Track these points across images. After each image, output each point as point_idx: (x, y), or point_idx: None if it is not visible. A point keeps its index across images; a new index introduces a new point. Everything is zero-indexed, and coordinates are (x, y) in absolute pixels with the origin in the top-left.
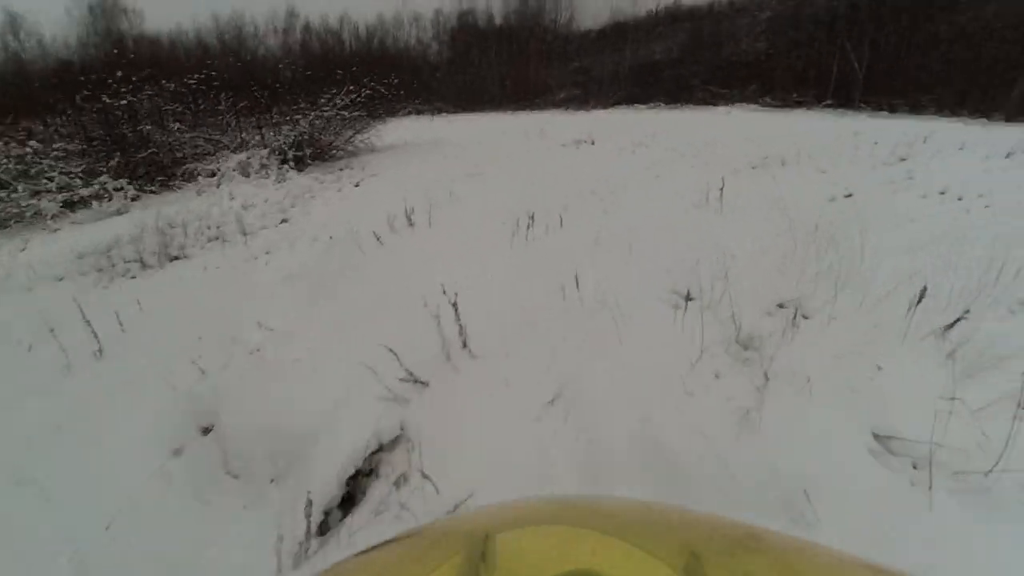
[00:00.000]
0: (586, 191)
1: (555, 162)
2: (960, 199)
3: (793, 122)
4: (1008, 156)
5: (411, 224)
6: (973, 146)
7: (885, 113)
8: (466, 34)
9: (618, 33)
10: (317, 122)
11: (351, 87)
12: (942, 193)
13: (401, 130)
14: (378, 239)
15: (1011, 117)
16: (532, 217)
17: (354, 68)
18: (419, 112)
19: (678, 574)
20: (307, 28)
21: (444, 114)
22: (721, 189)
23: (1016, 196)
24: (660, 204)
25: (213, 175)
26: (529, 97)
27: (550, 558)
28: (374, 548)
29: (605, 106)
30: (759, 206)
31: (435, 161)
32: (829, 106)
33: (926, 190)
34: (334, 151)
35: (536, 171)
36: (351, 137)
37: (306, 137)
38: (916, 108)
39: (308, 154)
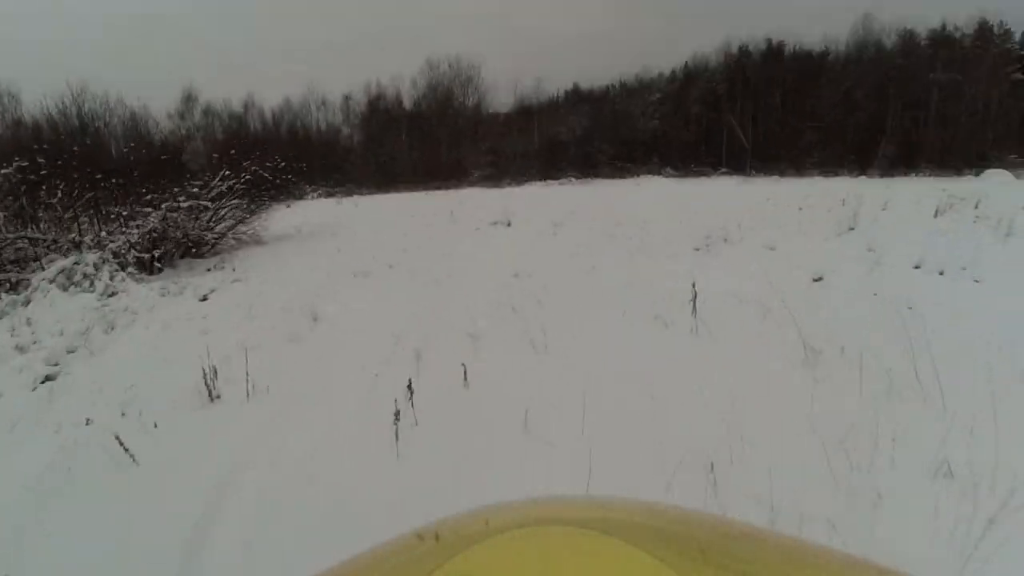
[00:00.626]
0: (504, 300)
1: (466, 252)
2: (941, 273)
3: (702, 191)
4: (936, 215)
5: (212, 399)
6: (895, 204)
7: (776, 177)
8: (378, 118)
9: (525, 115)
10: (173, 214)
11: (227, 172)
12: (917, 267)
13: (300, 216)
14: (129, 453)
15: (884, 172)
16: (423, 350)
17: (233, 152)
18: (331, 194)
19: (678, 574)
20: (207, 111)
21: (357, 195)
22: (693, 300)
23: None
24: (608, 324)
25: (14, 288)
26: (443, 177)
27: (547, 561)
28: (357, 557)
29: (519, 183)
30: (740, 317)
31: (323, 255)
32: (725, 173)
33: (901, 263)
34: (206, 247)
35: (442, 266)
36: (231, 228)
37: (156, 234)
38: (801, 170)
39: (166, 253)
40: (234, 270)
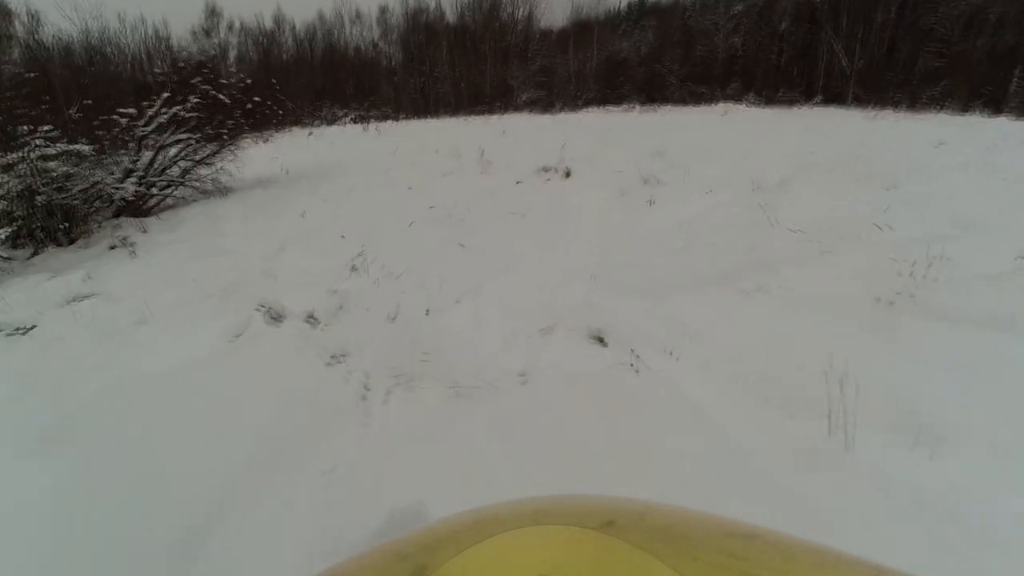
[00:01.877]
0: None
1: (493, 245)
2: None
3: (824, 128)
4: None
5: None
6: None
7: (891, 111)
8: (417, 34)
9: (581, 31)
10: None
11: (170, 95)
12: None
13: (307, 150)
14: None
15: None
16: None
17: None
18: (364, 119)
19: (678, 574)
20: (241, 29)
21: (392, 120)
22: None
23: None
24: None
25: None
26: (488, 100)
27: (547, 561)
28: (356, 557)
29: (573, 108)
30: None
31: (283, 220)
32: (820, 103)
33: None
34: (146, 201)
35: (448, 292)
36: (184, 174)
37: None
38: (915, 104)
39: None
40: (142, 247)
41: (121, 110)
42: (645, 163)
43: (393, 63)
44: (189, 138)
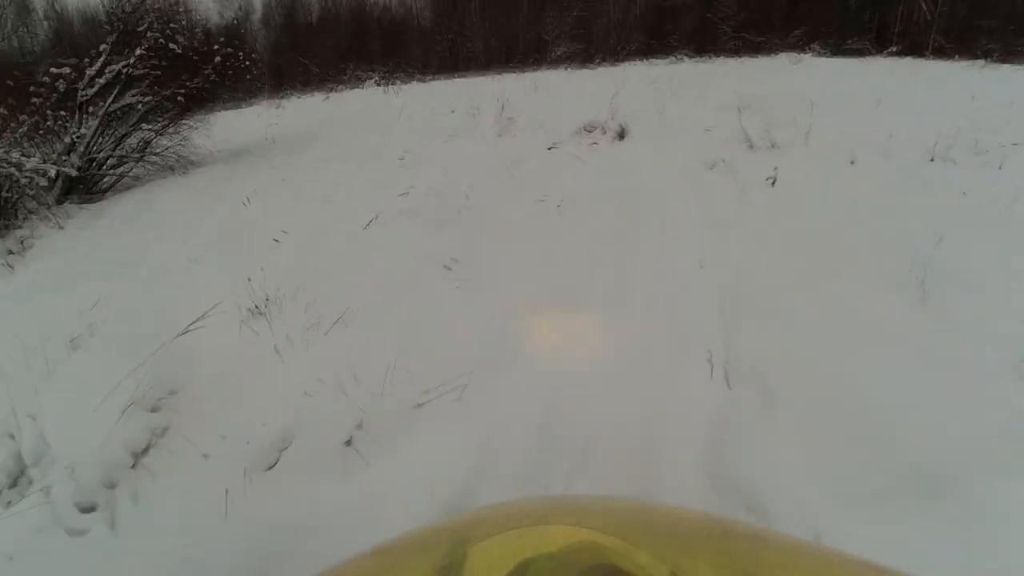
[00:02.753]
0: None
1: (488, 293)
2: None
3: (932, 78)
4: None
5: None
6: None
7: (982, 62)
8: None
9: None
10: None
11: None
12: None
13: (313, 112)
14: None
15: None
16: None
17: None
18: (387, 81)
19: (678, 574)
20: None
21: (419, 80)
22: None
23: None
24: None
25: None
26: (520, 56)
27: (547, 561)
28: (362, 555)
29: (615, 60)
30: None
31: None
32: (895, 53)
33: None
34: (98, 181)
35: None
36: (143, 148)
37: None
38: (1010, 54)
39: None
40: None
41: (54, 69)
42: (731, 119)
43: (420, 22)
44: (138, 102)
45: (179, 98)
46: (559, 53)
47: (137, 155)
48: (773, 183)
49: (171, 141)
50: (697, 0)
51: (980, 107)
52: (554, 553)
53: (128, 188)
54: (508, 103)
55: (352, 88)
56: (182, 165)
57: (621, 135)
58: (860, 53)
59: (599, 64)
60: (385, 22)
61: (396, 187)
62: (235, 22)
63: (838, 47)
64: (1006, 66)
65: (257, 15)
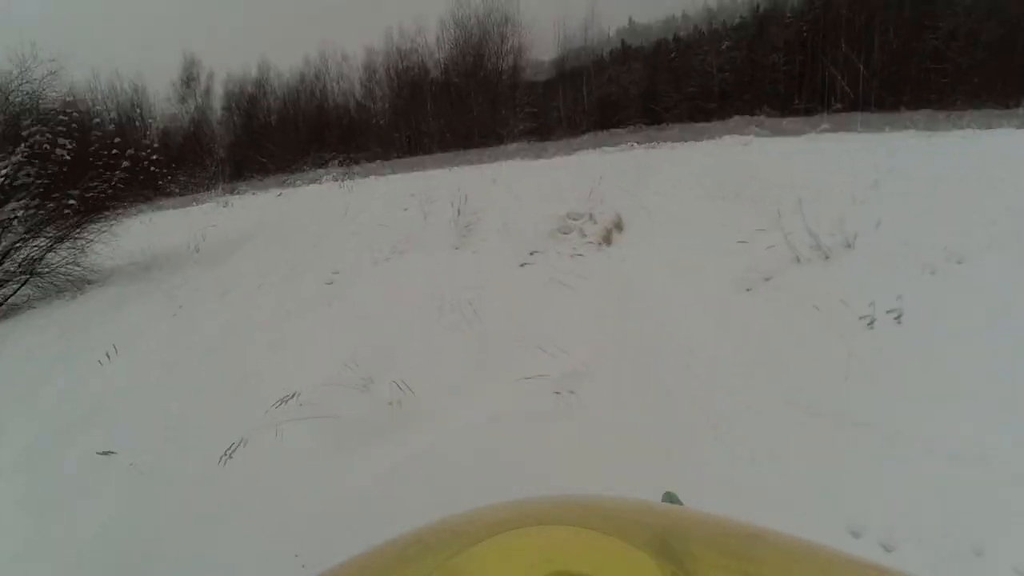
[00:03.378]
0: None
1: None
2: None
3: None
4: None
5: None
6: None
7: (914, 130)
8: (403, 88)
9: (569, 77)
10: None
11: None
12: None
13: (258, 210)
14: None
15: None
16: None
17: None
18: (343, 172)
19: (678, 574)
20: (211, 93)
21: (376, 175)
22: None
23: None
24: None
25: None
26: (477, 145)
27: (547, 561)
28: (360, 555)
29: (567, 151)
30: None
31: None
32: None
33: None
34: None
35: None
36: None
37: None
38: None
39: None
40: None
41: None
42: (730, 211)
43: (379, 120)
44: (19, 214)
45: (71, 207)
46: (513, 148)
47: (23, 274)
48: (899, 318)
49: (63, 257)
50: (644, 92)
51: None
52: (553, 555)
53: (17, 311)
54: (467, 200)
55: (310, 183)
56: (76, 285)
57: (607, 238)
58: (797, 132)
59: (552, 153)
60: (344, 122)
61: (305, 350)
62: (137, 123)
63: (775, 125)
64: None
65: (216, 115)
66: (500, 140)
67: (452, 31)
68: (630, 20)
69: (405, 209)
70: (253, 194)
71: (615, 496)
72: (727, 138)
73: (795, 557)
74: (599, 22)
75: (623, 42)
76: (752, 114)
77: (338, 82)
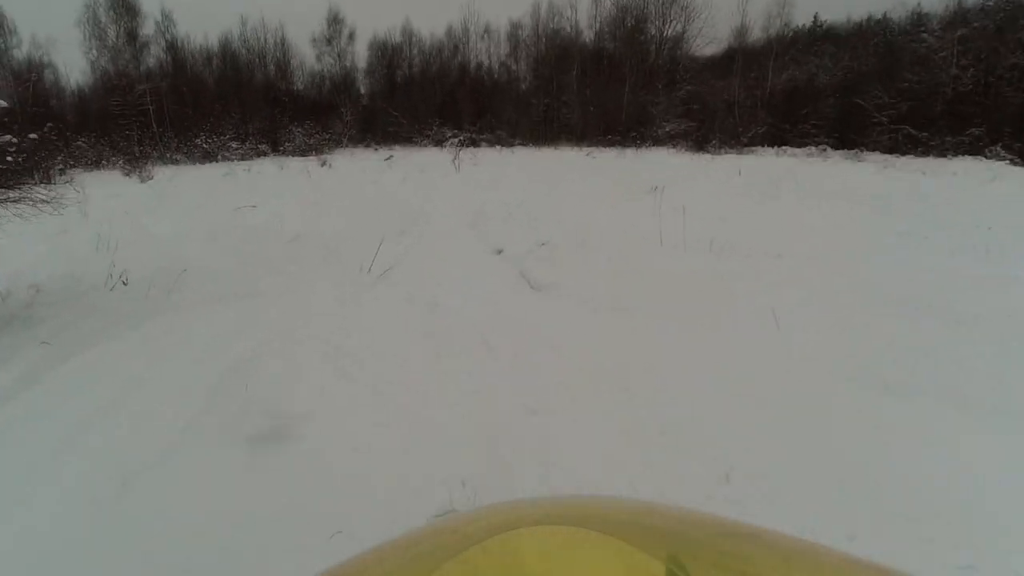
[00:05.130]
0: None
1: None
2: None
3: None
4: None
5: None
6: None
7: None
8: (550, 54)
9: (744, 57)
10: None
11: None
12: None
13: (339, 181)
14: None
15: None
16: None
17: None
18: (471, 143)
19: (678, 574)
20: (354, 37)
21: (504, 148)
22: None
23: None
24: None
25: None
26: (621, 130)
27: (547, 561)
28: (360, 555)
29: (736, 146)
30: None
31: None
32: None
33: None
34: None
35: None
36: None
37: None
38: None
39: None
40: None
41: None
42: None
43: (523, 85)
44: None
45: None
46: (666, 131)
47: None
48: None
49: None
50: (841, 82)
51: None
52: (553, 555)
53: None
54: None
55: (432, 144)
56: None
57: None
58: None
59: (714, 147)
60: (482, 82)
61: None
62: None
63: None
64: None
65: (359, 73)
66: (651, 122)
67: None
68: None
69: (500, 251)
70: (351, 155)
71: (615, 496)
72: (960, 160)
73: (793, 557)
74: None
75: (816, 18)
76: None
77: (480, 40)
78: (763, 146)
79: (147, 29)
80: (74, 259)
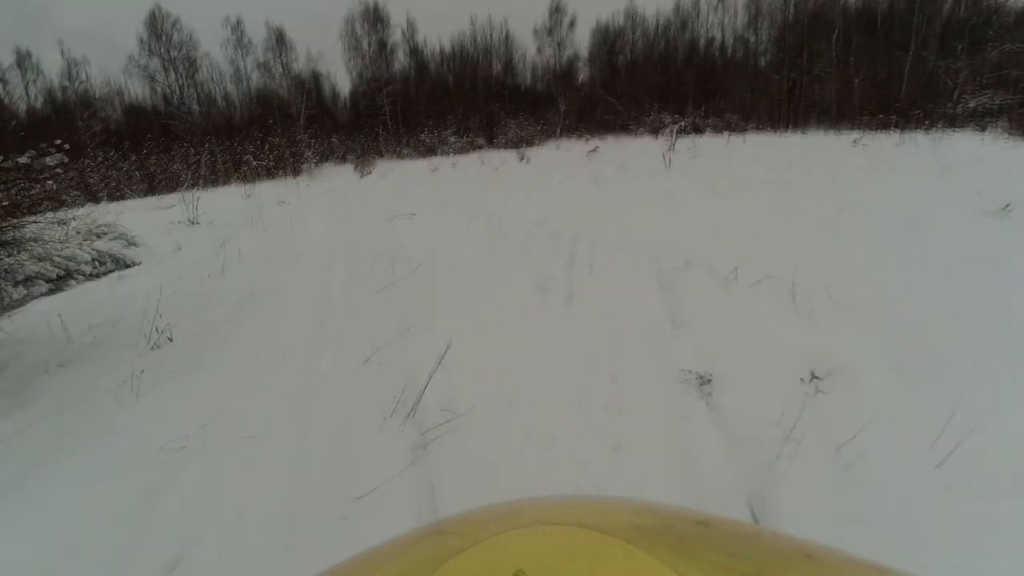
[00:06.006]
0: None
1: None
2: None
3: None
4: None
5: None
6: None
7: None
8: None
9: None
10: None
11: None
12: None
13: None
14: None
15: None
16: None
17: None
18: (695, 130)
19: (678, 574)
20: (575, 25)
21: (729, 133)
22: None
23: None
24: None
25: None
26: (899, 107)
27: (547, 561)
28: (360, 555)
29: None
30: None
31: None
32: None
33: None
34: None
35: None
36: None
37: None
38: None
39: None
40: None
41: None
42: None
43: (763, 60)
44: None
45: None
46: (970, 106)
47: None
48: None
49: None
50: None
51: None
52: (552, 555)
53: None
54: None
55: (649, 132)
56: None
57: None
58: None
59: None
60: (715, 60)
61: None
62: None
63: None
64: None
65: (585, 53)
66: (945, 95)
67: None
68: None
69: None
70: (556, 148)
71: (615, 496)
72: None
73: (794, 557)
74: None
75: None
76: None
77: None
78: None
79: (395, 37)
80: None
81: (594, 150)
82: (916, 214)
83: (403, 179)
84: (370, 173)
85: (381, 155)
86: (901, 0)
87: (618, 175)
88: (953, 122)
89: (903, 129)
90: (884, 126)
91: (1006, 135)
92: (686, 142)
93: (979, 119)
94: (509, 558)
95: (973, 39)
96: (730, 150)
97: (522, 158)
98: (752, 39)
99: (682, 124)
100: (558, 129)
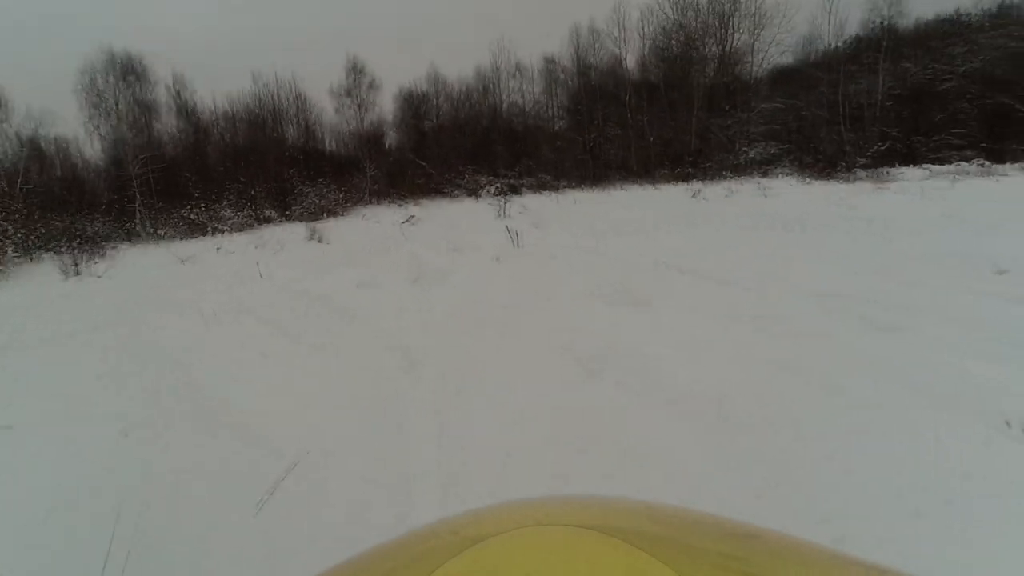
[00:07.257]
0: None
1: None
2: None
3: None
4: None
5: None
6: None
7: None
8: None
9: (846, 60)
10: None
11: None
12: None
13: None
14: None
15: None
16: None
17: None
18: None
19: (678, 575)
20: (374, 86)
21: (548, 192)
22: None
23: None
24: None
25: None
26: (688, 162)
27: (547, 561)
28: (361, 555)
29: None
30: None
31: None
32: None
33: None
34: None
35: None
36: None
37: None
38: None
39: None
40: None
41: None
42: None
43: (558, 124)
44: None
45: None
46: (750, 156)
47: None
48: None
49: None
50: (991, 76)
51: None
52: (553, 555)
53: None
54: None
55: (466, 194)
56: None
57: None
58: None
59: (849, 176)
60: (515, 123)
61: None
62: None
63: None
64: None
65: (390, 117)
66: (728, 147)
67: (658, 17)
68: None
69: None
70: (373, 210)
71: (615, 496)
72: None
73: (792, 557)
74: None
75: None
76: None
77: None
78: (892, 166)
79: (157, 94)
80: None
81: (410, 219)
82: None
83: (134, 277)
84: (77, 275)
85: (131, 239)
86: (674, 70)
87: (449, 261)
88: (739, 171)
89: (699, 179)
90: (681, 179)
91: (792, 177)
92: (514, 205)
93: (760, 166)
94: (509, 558)
95: (734, 101)
96: (567, 211)
97: (313, 236)
98: (549, 103)
99: (498, 184)
100: (366, 194)
